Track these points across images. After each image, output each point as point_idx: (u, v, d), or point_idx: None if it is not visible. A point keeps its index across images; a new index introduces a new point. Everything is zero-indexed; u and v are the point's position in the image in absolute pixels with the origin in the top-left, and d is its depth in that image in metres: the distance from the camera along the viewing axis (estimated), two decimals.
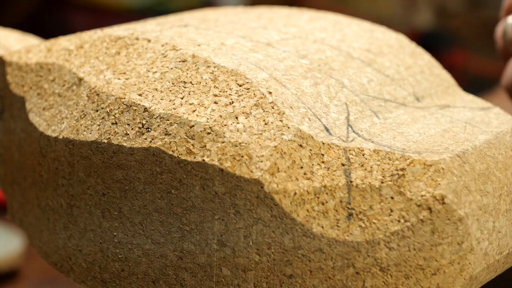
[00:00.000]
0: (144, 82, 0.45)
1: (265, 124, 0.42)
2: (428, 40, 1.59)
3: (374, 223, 0.41)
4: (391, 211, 0.41)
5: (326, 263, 0.41)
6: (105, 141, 0.44)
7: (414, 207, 0.40)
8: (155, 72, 0.45)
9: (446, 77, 0.53)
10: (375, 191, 0.41)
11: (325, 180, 0.41)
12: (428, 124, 0.46)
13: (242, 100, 0.43)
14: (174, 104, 0.43)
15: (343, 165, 0.42)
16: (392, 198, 0.41)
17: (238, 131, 0.42)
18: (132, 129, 0.43)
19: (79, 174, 0.45)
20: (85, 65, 0.48)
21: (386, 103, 0.47)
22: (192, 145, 0.42)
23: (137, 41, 0.47)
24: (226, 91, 0.43)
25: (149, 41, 0.47)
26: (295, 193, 0.41)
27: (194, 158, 0.42)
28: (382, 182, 0.41)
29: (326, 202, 0.41)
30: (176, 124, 0.42)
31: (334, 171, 0.42)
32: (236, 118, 0.42)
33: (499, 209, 0.43)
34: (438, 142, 0.43)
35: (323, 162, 0.42)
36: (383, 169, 0.41)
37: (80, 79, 0.47)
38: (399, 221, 0.40)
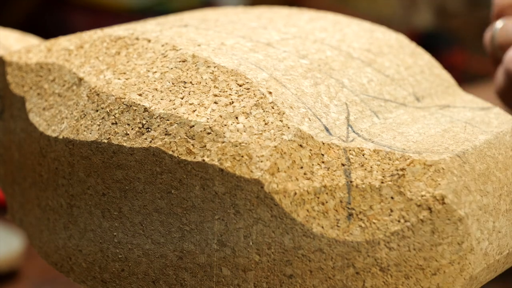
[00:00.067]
0: (144, 82, 0.45)
1: (265, 124, 0.42)
2: (428, 40, 1.59)
3: (374, 223, 0.41)
4: (391, 211, 0.41)
5: (326, 263, 0.41)
6: (105, 141, 0.44)
7: (414, 207, 0.40)
8: (155, 72, 0.45)
9: (446, 77, 0.53)
10: (375, 191, 0.41)
11: (325, 180, 0.41)
12: (428, 124, 0.46)
13: (242, 100, 0.43)
14: (174, 104, 0.43)
15: (343, 165, 0.42)
16: (392, 198, 0.41)
17: (238, 131, 0.42)
18: (132, 129, 0.43)
19: (79, 174, 0.45)
20: (85, 65, 0.48)
21: (386, 103, 0.47)
22: (192, 145, 0.42)
23: (137, 41, 0.47)
24: (226, 91, 0.43)
25: (149, 41, 0.47)
26: (295, 193, 0.41)
27: (194, 158, 0.42)
28: (382, 182, 0.41)
29: (326, 202, 0.41)
30: (176, 124, 0.42)
31: (334, 171, 0.42)
32: (236, 118, 0.42)
33: (499, 209, 0.43)
34: (438, 142, 0.43)
35: (323, 162, 0.42)
36: (383, 169, 0.41)
37: (80, 79, 0.47)
38: (399, 221, 0.40)
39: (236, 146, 0.41)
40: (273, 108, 0.42)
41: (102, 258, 0.46)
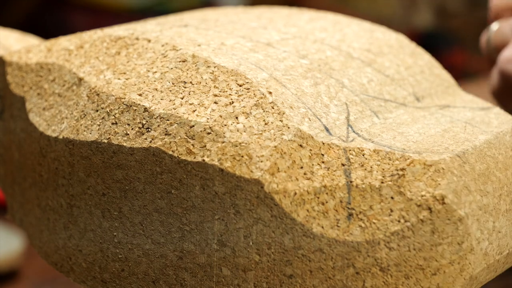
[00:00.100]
0: (144, 82, 0.45)
1: (265, 124, 0.42)
2: (428, 40, 1.59)
3: (374, 223, 0.41)
4: (391, 211, 0.41)
5: (326, 263, 0.41)
6: (105, 141, 0.44)
7: (414, 207, 0.40)
8: (155, 72, 0.45)
9: (446, 77, 0.53)
10: (375, 191, 0.41)
11: (325, 180, 0.41)
12: (428, 124, 0.46)
13: (242, 100, 0.43)
14: (174, 104, 0.43)
15: (343, 165, 0.42)
16: (392, 198, 0.41)
17: (238, 131, 0.42)
18: (132, 129, 0.43)
19: (79, 174, 0.45)
20: (85, 65, 0.48)
21: (386, 103, 0.47)
22: (192, 145, 0.42)
23: (137, 41, 0.47)
24: (226, 91, 0.43)
25: (149, 41, 0.47)
26: (295, 193, 0.41)
27: (194, 158, 0.42)
28: (382, 182, 0.41)
29: (326, 202, 0.41)
30: (176, 124, 0.42)
31: (334, 171, 0.42)
32: (236, 118, 0.42)
33: (499, 209, 0.43)
34: (438, 142, 0.43)
35: (323, 162, 0.42)
36: (383, 169, 0.41)
37: (80, 79, 0.47)
38: (399, 221, 0.40)
39: (236, 146, 0.41)
40: (273, 108, 0.42)
41: (102, 258, 0.46)
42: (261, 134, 0.42)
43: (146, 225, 0.44)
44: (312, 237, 0.41)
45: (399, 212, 0.40)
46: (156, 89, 0.44)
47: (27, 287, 0.76)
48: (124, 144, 0.43)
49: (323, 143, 0.42)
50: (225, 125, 0.42)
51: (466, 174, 0.42)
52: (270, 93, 0.43)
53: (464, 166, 0.42)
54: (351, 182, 0.41)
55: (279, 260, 0.41)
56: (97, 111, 0.45)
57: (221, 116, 0.42)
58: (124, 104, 0.44)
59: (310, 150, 0.42)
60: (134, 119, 0.43)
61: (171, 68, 0.45)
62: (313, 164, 0.42)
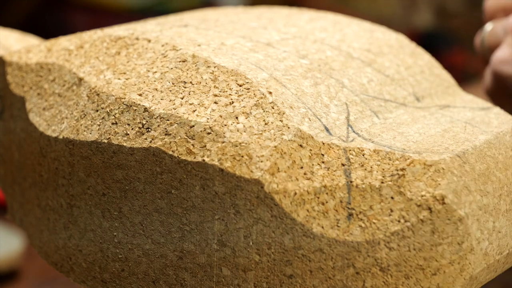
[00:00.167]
0: (144, 82, 0.45)
1: (265, 124, 0.42)
2: (428, 40, 1.59)
3: (374, 223, 0.41)
4: (391, 211, 0.41)
5: (326, 263, 0.41)
6: (105, 141, 0.44)
7: (414, 207, 0.40)
8: (155, 72, 0.45)
9: (446, 77, 0.53)
10: (375, 191, 0.41)
11: (325, 180, 0.41)
12: (428, 124, 0.46)
13: (242, 100, 0.43)
14: (174, 104, 0.43)
15: (343, 165, 0.42)
16: (392, 198, 0.41)
17: (238, 131, 0.42)
18: (132, 129, 0.43)
19: (79, 174, 0.45)
20: (85, 65, 0.48)
21: (386, 103, 0.47)
22: (192, 145, 0.42)
23: (137, 41, 0.47)
24: (226, 91, 0.43)
25: (149, 41, 0.47)
26: (295, 193, 0.41)
27: (194, 158, 0.42)
28: (382, 182, 0.41)
29: (326, 202, 0.41)
30: (176, 124, 0.42)
31: (334, 171, 0.42)
32: (236, 118, 0.42)
33: (499, 209, 0.43)
34: (438, 142, 0.43)
35: (323, 162, 0.42)
36: (383, 169, 0.41)
37: (80, 79, 0.47)
38: (399, 221, 0.40)
39: (236, 146, 0.41)
40: (273, 108, 0.42)
41: (102, 258, 0.46)
42: (261, 134, 0.42)
43: (146, 225, 0.44)
44: (312, 237, 0.41)
45: (399, 212, 0.40)
46: (156, 89, 0.44)
47: (27, 287, 0.76)
48: (124, 144, 0.43)
49: (323, 143, 0.42)
50: (225, 125, 0.42)
51: (466, 174, 0.42)
52: (270, 93, 0.43)
53: (464, 166, 0.42)
54: (351, 182, 0.41)
55: (279, 260, 0.41)
56: (97, 111, 0.45)
57: (221, 116, 0.42)
58: (124, 104, 0.44)
59: (310, 150, 0.42)
60: (134, 119, 0.43)
61: (171, 68, 0.45)
62: (313, 164, 0.42)
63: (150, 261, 0.44)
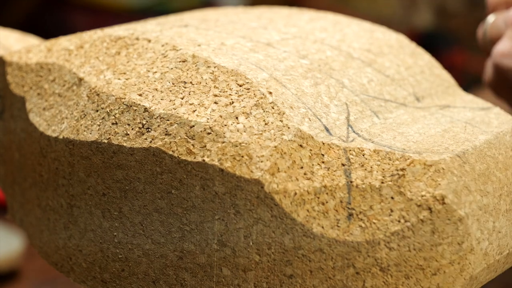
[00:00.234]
0: (144, 82, 0.45)
1: (265, 124, 0.42)
2: (428, 40, 1.60)
3: (374, 223, 0.41)
4: (391, 211, 0.41)
5: (326, 263, 0.41)
6: (105, 141, 0.44)
7: (414, 207, 0.40)
8: (155, 72, 0.45)
9: (446, 77, 0.53)
10: (375, 191, 0.41)
11: (325, 180, 0.41)
12: (428, 124, 0.46)
13: (242, 100, 0.43)
14: (174, 104, 0.43)
15: (343, 165, 0.42)
16: (392, 198, 0.41)
17: (238, 131, 0.42)
18: (132, 129, 0.43)
19: (79, 174, 0.45)
20: (85, 65, 0.48)
21: (386, 103, 0.47)
22: (192, 145, 0.42)
23: (137, 41, 0.47)
24: (226, 91, 0.43)
25: (149, 41, 0.47)
26: (295, 193, 0.41)
27: (194, 158, 0.42)
28: (382, 182, 0.41)
29: (326, 202, 0.41)
30: (176, 124, 0.42)
31: (334, 171, 0.42)
32: (236, 118, 0.42)
33: (499, 209, 0.43)
34: (438, 142, 0.43)
35: (323, 162, 0.42)
36: (383, 169, 0.41)
37: (80, 79, 0.47)
38: (399, 221, 0.40)
39: (236, 146, 0.41)
40: (273, 108, 0.42)
41: (102, 258, 0.46)
42: (261, 134, 0.42)
43: (146, 225, 0.44)
44: (312, 237, 0.41)
45: (399, 212, 0.40)
46: (156, 89, 0.44)
47: (27, 287, 0.76)
48: (124, 144, 0.43)
49: (323, 143, 0.42)
50: (225, 125, 0.42)
51: (466, 174, 0.42)
52: (270, 93, 0.43)
53: (464, 166, 0.42)
54: (351, 182, 0.41)
55: (279, 260, 0.41)
56: (97, 111, 0.45)
57: (221, 116, 0.42)
58: (124, 104, 0.44)
59: (310, 150, 0.42)
60: (134, 119, 0.43)
61: (171, 68, 0.45)
62: (313, 164, 0.42)
63: (150, 261, 0.44)
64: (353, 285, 0.41)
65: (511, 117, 0.48)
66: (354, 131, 0.44)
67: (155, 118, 0.43)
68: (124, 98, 0.44)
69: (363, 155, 0.42)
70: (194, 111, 0.43)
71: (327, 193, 0.41)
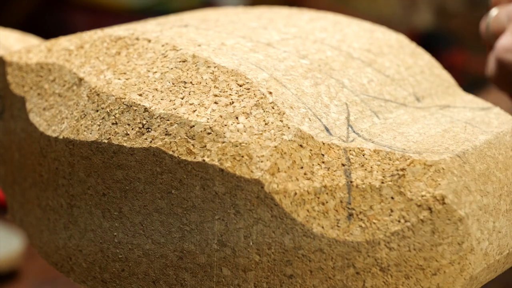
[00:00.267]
0: (144, 82, 0.45)
1: (265, 124, 0.42)
2: (428, 40, 1.60)
3: (374, 223, 0.41)
4: (391, 211, 0.41)
5: (326, 263, 0.41)
6: (106, 141, 0.44)
7: (414, 207, 0.40)
8: (156, 72, 0.45)
9: (446, 77, 0.53)
10: (375, 191, 0.41)
11: (325, 180, 0.41)
12: (428, 124, 0.46)
13: (242, 100, 0.43)
14: (174, 104, 0.43)
15: (343, 165, 0.42)
16: (392, 198, 0.41)
17: (238, 131, 0.42)
18: (132, 129, 0.43)
19: (80, 174, 0.45)
20: (86, 65, 0.48)
21: (387, 103, 0.47)
22: (193, 145, 0.42)
23: (138, 41, 0.47)
24: (226, 91, 0.43)
25: (149, 41, 0.47)
26: (296, 193, 0.41)
27: (195, 158, 0.42)
28: (382, 182, 0.41)
29: (326, 202, 0.41)
30: (176, 124, 0.42)
31: (334, 171, 0.42)
32: (237, 118, 0.42)
33: (499, 209, 0.43)
34: (438, 142, 0.43)
35: (323, 162, 0.42)
36: (383, 169, 0.41)
37: (81, 79, 0.47)
38: (399, 221, 0.40)
39: (236, 146, 0.41)
40: (273, 108, 0.42)
41: (102, 258, 0.46)
42: (261, 134, 0.42)
43: (146, 225, 0.44)
44: (312, 237, 0.41)
45: (399, 212, 0.40)
46: (156, 89, 0.44)
47: (27, 287, 0.76)
48: (124, 144, 0.43)
49: (323, 143, 0.42)
50: (225, 125, 0.42)
51: (466, 174, 0.42)
52: (270, 93, 0.43)
53: (464, 166, 0.42)
54: (351, 182, 0.41)
55: (279, 260, 0.41)
56: (97, 111, 0.45)
57: (221, 116, 0.42)
58: (124, 104, 0.44)
59: (310, 150, 0.42)
60: (134, 119, 0.43)
61: (171, 68, 0.45)
62: (313, 164, 0.42)
63: (150, 261, 0.44)
64: (353, 285, 0.41)
65: (511, 117, 0.48)
66: (354, 131, 0.44)
67: (155, 118, 0.43)
68: (124, 98, 0.44)
69: (363, 155, 0.42)
70: (194, 111, 0.43)
71: (327, 193, 0.41)
